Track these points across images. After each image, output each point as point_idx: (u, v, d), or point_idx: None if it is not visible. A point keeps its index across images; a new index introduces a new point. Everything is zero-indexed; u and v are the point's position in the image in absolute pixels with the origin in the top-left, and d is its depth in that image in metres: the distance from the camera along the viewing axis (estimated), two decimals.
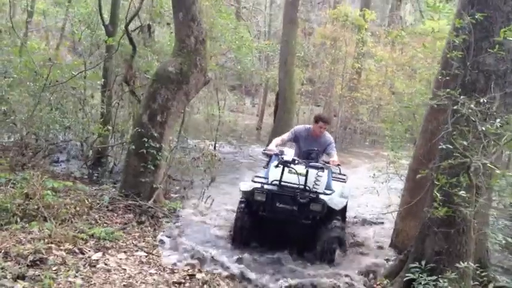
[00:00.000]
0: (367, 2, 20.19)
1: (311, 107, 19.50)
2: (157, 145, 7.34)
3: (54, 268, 4.84)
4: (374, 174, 8.22)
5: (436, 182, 4.49)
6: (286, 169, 5.91)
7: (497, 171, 3.85)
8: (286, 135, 6.82)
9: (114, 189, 7.65)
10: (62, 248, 5.36)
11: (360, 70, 18.00)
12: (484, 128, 4.16)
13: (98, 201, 6.89)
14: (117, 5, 9.67)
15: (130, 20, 9.63)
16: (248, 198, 6.05)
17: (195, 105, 14.07)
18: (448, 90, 4.59)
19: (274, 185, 5.89)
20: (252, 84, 22.93)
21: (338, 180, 7.02)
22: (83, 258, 5.27)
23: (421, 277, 4.74)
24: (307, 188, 5.82)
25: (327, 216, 5.80)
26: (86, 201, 6.59)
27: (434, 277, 4.65)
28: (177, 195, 8.22)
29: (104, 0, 10.64)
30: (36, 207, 5.89)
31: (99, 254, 5.46)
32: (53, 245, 5.31)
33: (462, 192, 3.99)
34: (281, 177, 5.83)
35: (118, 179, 8.36)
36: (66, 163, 9.32)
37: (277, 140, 6.73)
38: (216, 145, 13.03)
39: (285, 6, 15.48)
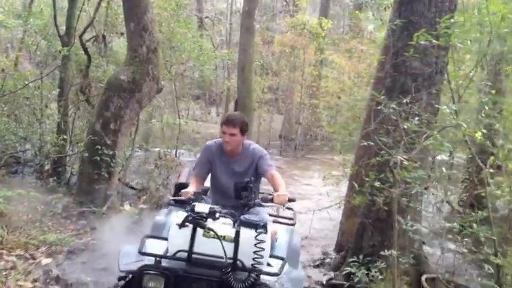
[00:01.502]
0: (326, 10, 20.76)
1: (272, 115, 19.84)
2: (111, 152, 7.50)
3: (4, 273, 4.97)
4: (324, 177, 8.54)
5: (366, 178, 4.81)
6: (200, 230, 3.14)
7: (413, 165, 4.19)
8: (199, 160, 4.24)
9: (69, 197, 7.75)
10: (13, 253, 5.47)
11: (319, 77, 18.45)
12: (405, 126, 4.50)
13: (51, 209, 6.99)
14: (72, 16, 9.78)
15: (84, 30, 9.78)
16: (132, 284, 3.18)
17: (157, 114, 14.23)
18: (372, 92, 4.95)
19: (179, 259, 3.13)
20: (216, 93, 23.19)
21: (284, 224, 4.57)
22: (33, 263, 5.39)
23: (359, 269, 5.02)
24: (238, 263, 3.11)
25: None
26: (39, 208, 6.69)
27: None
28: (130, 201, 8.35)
29: (60, 11, 10.75)
30: None
31: (50, 260, 5.59)
32: (4, 251, 5.43)
33: (377, 184, 4.33)
34: (191, 245, 3.04)
35: (74, 187, 8.45)
36: (22, 173, 9.35)
37: (185, 172, 4.80)
38: (177, 153, 13.20)
39: (241, 16, 15.84)
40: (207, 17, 26.01)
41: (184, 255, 3.11)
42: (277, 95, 20.15)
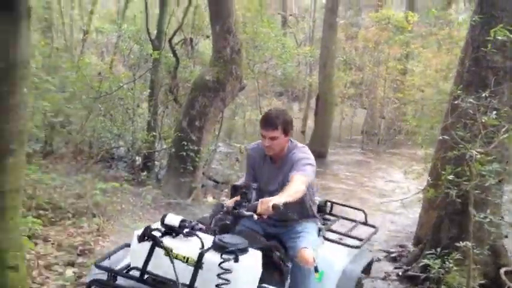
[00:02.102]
0: (413, 4, 20.15)
1: (355, 110, 19.66)
2: (196, 148, 7.95)
3: (99, 257, 5.50)
4: (405, 172, 8.46)
5: (443, 172, 4.79)
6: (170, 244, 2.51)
7: (487, 158, 4.15)
8: (246, 167, 3.79)
9: (158, 190, 8.32)
10: (107, 240, 6.02)
11: (404, 71, 18.02)
12: (483, 120, 4.43)
13: (141, 200, 7.56)
14: (162, 21, 10.39)
15: (174, 34, 10.38)
16: None
17: (240, 111, 14.70)
18: (451, 86, 4.92)
19: (130, 277, 2.56)
20: (298, 89, 23.33)
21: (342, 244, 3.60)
22: None
23: (435, 262, 5.02)
24: None
25: None
26: (131, 199, 7.28)
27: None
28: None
29: (151, 17, 11.46)
30: (86, 205, 6.60)
31: None
32: (100, 238, 5.99)
33: (452, 177, 4.33)
34: (146, 262, 2.49)
35: (162, 180, 9.04)
36: (116, 168, 10.11)
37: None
38: None
39: (324, 12, 15.84)
40: (291, 15, 26.22)
41: (137, 273, 2.50)
42: (361, 89, 19.91)
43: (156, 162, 10.04)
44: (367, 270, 3.73)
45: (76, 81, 9.53)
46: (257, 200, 2.94)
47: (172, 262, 2.36)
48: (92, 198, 6.71)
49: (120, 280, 2.51)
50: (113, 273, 2.53)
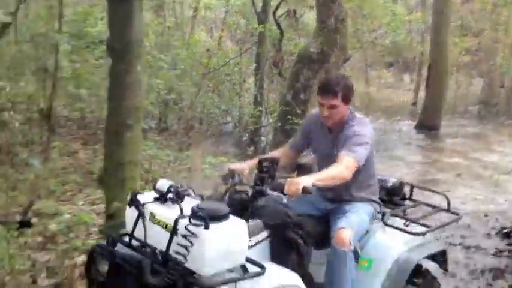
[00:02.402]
0: None
1: (471, 79, 18.41)
2: (301, 122, 7.94)
3: None
4: None
5: None
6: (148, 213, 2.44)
7: None
8: (298, 129, 3.71)
9: None
10: None
11: None
12: None
13: None
14: None
15: (277, 6, 10.38)
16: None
17: None
18: None
19: (121, 242, 2.53)
20: (409, 59, 22.31)
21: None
22: None
23: None
24: (169, 257, 2.27)
25: None
26: None
27: None
28: None
29: None
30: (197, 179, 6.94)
31: None
32: None
33: None
34: (133, 228, 2.43)
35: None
36: (224, 143, 10.47)
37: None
38: None
39: None
40: None
41: (127, 239, 2.45)
42: (477, 56, 18.55)
43: (262, 137, 10.21)
44: (442, 263, 3.27)
45: (186, 59, 9.91)
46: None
47: (144, 227, 2.33)
48: (202, 172, 7.03)
49: (119, 245, 2.46)
50: (111, 238, 2.50)
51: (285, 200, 2.66)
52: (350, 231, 2.83)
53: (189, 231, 2.13)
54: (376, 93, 17.99)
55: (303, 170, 3.18)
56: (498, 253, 5.33)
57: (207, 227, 2.12)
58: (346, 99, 3.03)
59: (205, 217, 2.14)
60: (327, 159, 3.01)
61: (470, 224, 6.23)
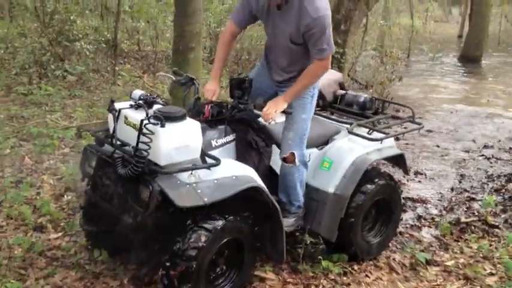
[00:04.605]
0: None
1: None
2: (341, 50, 8.56)
3: None
4: None
5: None
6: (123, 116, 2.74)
7: None
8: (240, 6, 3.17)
9: None
10: None
11: None
12: None
13: None
14: None
15: None
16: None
17: (392, 15, 14.66)
18: None
19: (105, 141, 2.84)
20: None
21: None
22: None
23: None
24: (138, 152, 2.57)
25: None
26: None
27: None
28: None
29: None
30: None
31: None
32: None
33: None
34: (114, 128, 2.73)
35: None
36: None
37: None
38: (409, 53, 13.67)
39: None
40: None
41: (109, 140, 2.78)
42: None
43: None
44: (402, 167, 3.79)
45: None
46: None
47: (115, 128, 2.67)
48: None
49: (106, 145, 2.79)
50: (97, 138, 2.86)
51: (261, 120, 2.99)
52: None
53: (148, 129, 2.49)
54: (422, 26, 18.05)
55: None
56: (491, 158, 5.94)
57: (163, 126, 2.49)
58: None
59: (161, 118, 2.50)
60: (273, 42, 3.08)
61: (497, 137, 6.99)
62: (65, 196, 4.04)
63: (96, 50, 8.88)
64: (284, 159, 3.08)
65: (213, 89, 3.11)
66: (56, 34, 8.22)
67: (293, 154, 3.07)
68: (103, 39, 8.89)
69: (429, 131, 7.08)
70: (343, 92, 3.87)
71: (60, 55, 8.14)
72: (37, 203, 3.84)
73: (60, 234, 3.50)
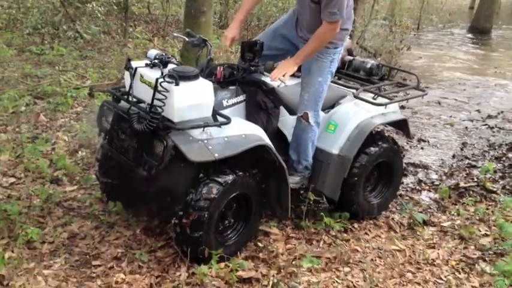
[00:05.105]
0: None
1: None
2: None
3: None
4: None
5: None
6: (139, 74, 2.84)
7: None
8: None
9: None
10: None
11: None
12: None
13: None
14: None
15: None
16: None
17: None
18: None
19: (122, 98, 2.99)
20: None
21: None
22: None
23: None
24: (153, 108, 2.70)
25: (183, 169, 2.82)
26: None
27: None
28: None
29: None
30: None
31: None
32: None
33: None
34: (130, 86, 2.85)
35: None
36: None
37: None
38: (419, 24, 13.60)
39: None
40: None
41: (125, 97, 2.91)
42: None
43: None
44: (405, 131, 3.91)
45: None
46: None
47: (131, 85, 2.80)
48: None
49: (123, 102, 2.94)
50: (113, 95, 3.02)
51: (268, 80, 3.09)
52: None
53: (163, 87, 2.61)
54: None
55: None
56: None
57: (177, 84, 2.60)
58: None
59: (176, 76, 2.61)
60: (299, 8, 3.24)
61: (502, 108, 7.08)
62: (79, 152, 4.19)
63: (107, 12, 8.92)
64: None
65: (231, 36, 3.23)
66: None
67: (307, 114, 3.21)
68: (114, 1, 8.91)
69: (434, 100, 7.16)
70: (351, 57, 3.97)
71: (71, 16, 8.19)
72: (53, 157, 4.00)
73: (75, 187, 3.68)
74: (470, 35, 14.03)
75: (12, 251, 2.79)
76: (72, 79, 5.97)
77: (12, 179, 3.68)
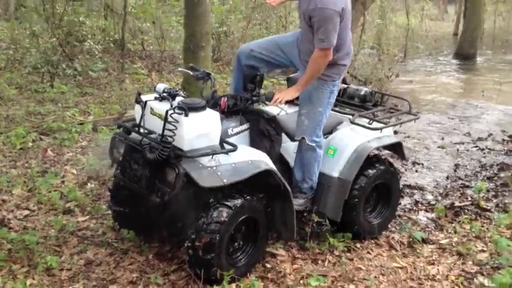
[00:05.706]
0: None
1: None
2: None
3: None
4: None
5: None
6: (149, 107, 3.02)
7: None
8: None
9: None
10: None
11: None
12: None
13: None
14: None
15: None
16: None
17: (389, 15, 14.97)
18: None
19: (133, 130, 3.15)
20: None
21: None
22: None
23: None
24: (163, 138, 2.87)
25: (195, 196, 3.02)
26: None
27: None
28: None
29: None
30: None
31: None
32: None
33: None
34: (141, 119, 3.04)
35: None
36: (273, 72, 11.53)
37: None
38: (406, 51, 14.02)
39: None
40: None
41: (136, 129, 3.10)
42: None
43: None
44: (400, 154, 4.14)
45: None
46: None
47: (142, 117, 3.01)
48: None
49: (133, 134, 3.11)
50: (124, 128, 3.17)
51: (267, 109, 3.41)
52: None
53: (173, 118, 2.79)
54: (418, 24, 18.40)
55: (291, 83, 3.56)
56: (508, 153, 6.26)
57: (186, 115, 2.78)
58: None
59: (185, 108, 2.79)
60: (301, 19, 3.36)
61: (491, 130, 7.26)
62: (88, 184, 4.35)
63: (103, 50, 9.18)
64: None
65: None
66: (65, 35, 8.52)
67: (304, 138, 3.39)
68: (111, 39, 9.18)
69: (426, 124, 7.40)
70: (345, 85, 4.19)
71: (68, 55, 8.43)
72: (63, 190, 4.15)
73: (87, 217, 3.82)
74: (455, 61, 14.46)
75: (33, 278, 2.92)
76: (75, 115, 6.16)
77: (26, 212, 3.83)
